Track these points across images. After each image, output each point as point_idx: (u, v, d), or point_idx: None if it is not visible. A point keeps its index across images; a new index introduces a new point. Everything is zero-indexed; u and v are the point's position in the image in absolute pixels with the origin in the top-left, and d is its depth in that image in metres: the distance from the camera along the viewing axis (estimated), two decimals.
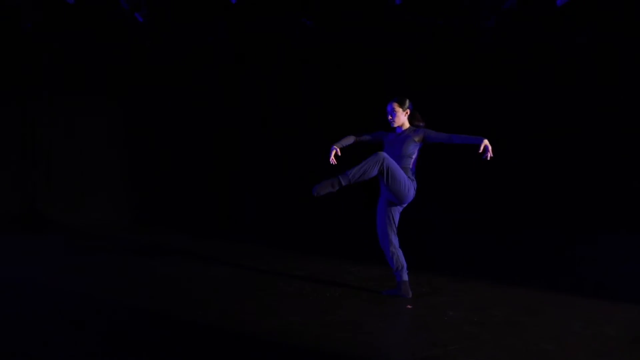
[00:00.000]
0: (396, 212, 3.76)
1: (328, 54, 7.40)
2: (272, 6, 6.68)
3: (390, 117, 3.78)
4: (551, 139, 7.00)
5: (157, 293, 3.83)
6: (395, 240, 3.75)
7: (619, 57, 6.55)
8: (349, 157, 3.85)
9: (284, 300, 3.63)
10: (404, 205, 3.75)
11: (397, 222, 3.77)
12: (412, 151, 3.69)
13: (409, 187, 3.58)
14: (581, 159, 7.20)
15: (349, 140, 3.91)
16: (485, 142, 3.46)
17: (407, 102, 3.78)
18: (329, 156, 3.85)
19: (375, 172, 3.43)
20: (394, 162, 3.52)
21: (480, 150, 3.47)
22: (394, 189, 3.53)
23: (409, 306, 3.54)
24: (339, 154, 3.84)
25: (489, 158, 3.46)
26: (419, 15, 6.83)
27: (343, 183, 3.40)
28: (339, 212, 7.10)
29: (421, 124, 3.80)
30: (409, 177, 3.63)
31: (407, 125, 3.80)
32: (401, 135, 3.76)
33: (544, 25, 6.37)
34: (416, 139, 3.68)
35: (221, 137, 7.68)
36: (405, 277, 3.73)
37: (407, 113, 3.78)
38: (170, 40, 7.20)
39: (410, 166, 3.69)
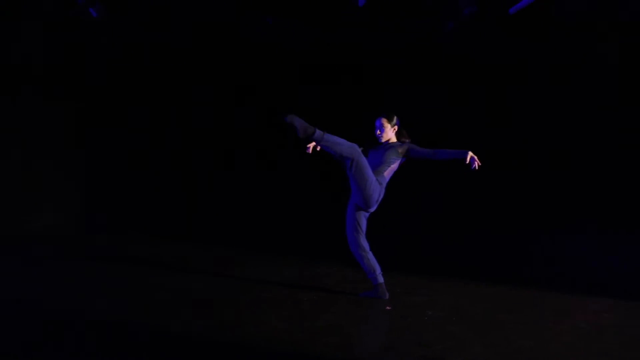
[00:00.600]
0: (363, 217, 3.81)
1: (289, 52, 7.34)
2: (234, 2, 6.56)
3: (378, 132, 3.85)
4: (515, 140, 7.37)
5: (125, 303, 3.65)
6: (365, 244, 3.80)
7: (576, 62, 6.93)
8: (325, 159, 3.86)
9: (263, 307, 3.56)
10: (370, 211, 3.81)
11: (364, 227, 3.82)
12: (393, 161, 3.76)
13: (374, 188, 3.61)
14: (541, 160, 7.60)
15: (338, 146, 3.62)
16: (470, 154, 3.53)
17: (395, 119, 3.87)
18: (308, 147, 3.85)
19: (344, 152, 3.46)
20: (365, 160, 3.57)
21: (467, 162, 3.52)
22: (361, 185, 3.55)
23: (388, 307, 3.58)
24: (317, 149, 3.79)
25: (477, 168, 3.53)
26: (380, 17, 6.92)
27: (315, 135, 3.39)
28: (307, 213, 7.11)
29: (407, 140, 3.89)
30: (378, 180, 3.66)
31: (394, 140, 3.89)
32: (385, 145, 3.84)
33: (502, 30, 6.66)
34: (400, 150, 3.76)
35: (179, 138, 7.45)
36: (381, 279, 3.77)
37: (395, 129, 3.87)
38: (124, 37, 6.91)
39: (385, 173, 3.74)
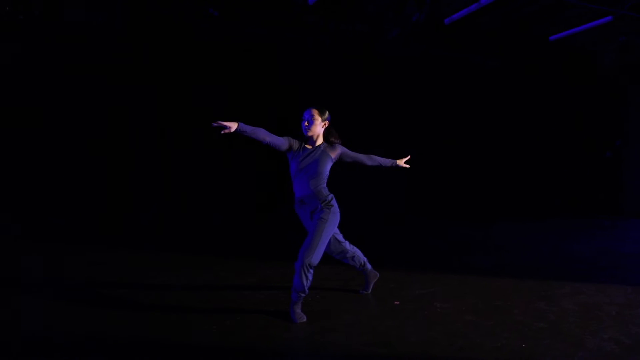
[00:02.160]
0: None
1: (233, 46, 7.06)
2: None
3: (306, 124, 3.35)
4: (458, 141, 7.96)
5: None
6: (346, 243, 3.67)
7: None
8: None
9: (267, 311, 3.38)
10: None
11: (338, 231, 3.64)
12: (328, 169, 3.40)
13: (337, 218, 3.37)
14: (481, 160, 8.30)
15: (257, 133, 3.13)
16: (399, 162, 3.82)
17: (327, 114, 3.42)
18: (220, 124, 2.93)
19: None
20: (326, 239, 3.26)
21: (397, 165, 3.82)
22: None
23: (397, 302, 3.61)
24: (229, 130, 2.96)
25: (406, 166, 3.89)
26: (326, 18, 6.98)
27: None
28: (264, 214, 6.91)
29: (337, 141, 3.45)
30: (324, 200, 3.32)
31: (321, 139, 3.42)
32: (315, 152, 3.36)
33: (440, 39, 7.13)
34: (332, 155, 3.39)
35: (116, 132, 6.72)
36: (369, 266, 3.80)
37: (324, 125, 3.40)
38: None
39: (325, 186, 3.39)
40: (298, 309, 3.20)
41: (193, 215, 6.77)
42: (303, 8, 6.65)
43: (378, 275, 3.86)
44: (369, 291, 3.84)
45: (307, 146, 3.39)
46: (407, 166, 3.88)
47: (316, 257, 3.17)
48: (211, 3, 6.50)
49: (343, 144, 3.50)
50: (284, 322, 3.14)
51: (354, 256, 3.68)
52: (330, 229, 3.28)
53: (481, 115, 8.34)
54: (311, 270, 3.17)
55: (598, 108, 9.20)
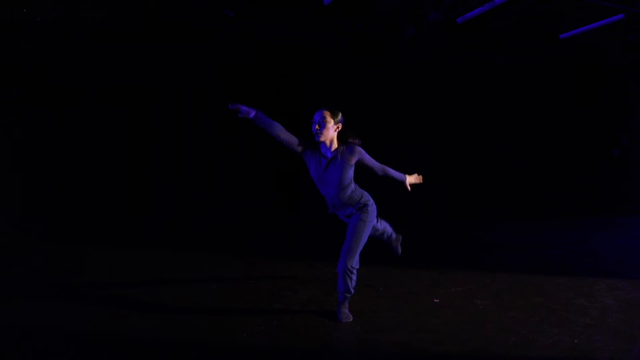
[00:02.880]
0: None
1: (248, 46, 7.03)
2: None
3: (317, 127, 3.06)
4: (467, 142, 8.00)
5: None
6: (378, 225, 3.58)
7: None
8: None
9: (310, 311, 3.37)
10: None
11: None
12: (351, 174, 3.16)
13: (374, 215, 3.31)
14: (490, 159, 8.35)
15: (273, 127, 3.05)
16: (409, 179, 3.48)
17: (340, 115, 3.13)
18: (238, 106, 2.98)
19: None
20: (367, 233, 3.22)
21: (406, 185, 3.48)
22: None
23: (436, 300, 3.61)
24: (246, 115, 2.99)
25: (409, 189, 3.53)
26: (342, 18, 6.97)
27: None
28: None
29: (356, 141, 3.17)
30: (357, 204, 3.21)
31: (335, 143, 3.14)
32: (335, 162, 3.10)
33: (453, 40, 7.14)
34: (351, 161, 3.11)
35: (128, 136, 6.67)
36: (394, 234, 3.87)
37: (337, 128, 3.12)
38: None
39: (354, 188, 3.21)
40: (345, 309, 3.19)
41: (214, 215, 6.73)
42: (318, 9, 6.63)
43: (401, 236, 4.00)
44: (399, 253, 4.02)
45: (323, 157, 3.14)
46: (409, 188, 3.53)
47: (357, 259, 3.17)
48: (227, 4, 6.47)
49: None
50: (330, 321, 3.13)
51: (383, 233, 3.73)
52: (369, 228, 3.27)
53: (491, 113, 8.35)
54: (354, 271, 3.16)
55: (607, 106, 9.26)
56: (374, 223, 3.37)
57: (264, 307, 3.39)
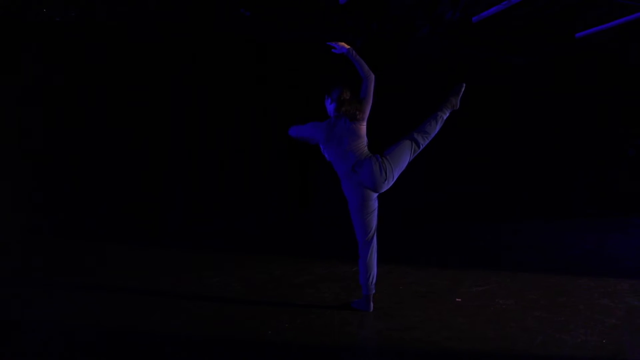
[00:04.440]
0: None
1: (262, 46, 7.05)
2: None
3: (337, 105, 3.26)
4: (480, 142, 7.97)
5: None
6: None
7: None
8: None
9: (334, 307, 3.37)
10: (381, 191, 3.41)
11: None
12: (364, 132, 3.30)
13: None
14: (507, 159, 8.31)
15: (361, 63, 3.27)
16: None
17: (334, 90, 3.31)
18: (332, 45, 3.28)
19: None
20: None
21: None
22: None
23: (458, 299, 3.60)
24: (339, 52, 3.31)
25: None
26: (357, 17, 6.96)
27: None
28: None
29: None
30: (363, 155, 3.23)
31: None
32: (340, 121, 3.23)
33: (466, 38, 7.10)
34: (359, 116, 3.22)
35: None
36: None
37: (345, 97, 3.27)
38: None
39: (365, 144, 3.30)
40: (369, 301, 3.28)
41: (229, 215, 6.75)
42: (334, 8, 6.63)
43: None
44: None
45: (331, 122, 3.26)
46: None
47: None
48: (243, 3, 6.49)
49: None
50: (356, 319, 3.13)
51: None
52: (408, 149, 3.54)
53: (509, 114, 8.31)
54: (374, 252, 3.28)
55: (623, 106, 9.18)
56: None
57: (287, 306, 3.39)
